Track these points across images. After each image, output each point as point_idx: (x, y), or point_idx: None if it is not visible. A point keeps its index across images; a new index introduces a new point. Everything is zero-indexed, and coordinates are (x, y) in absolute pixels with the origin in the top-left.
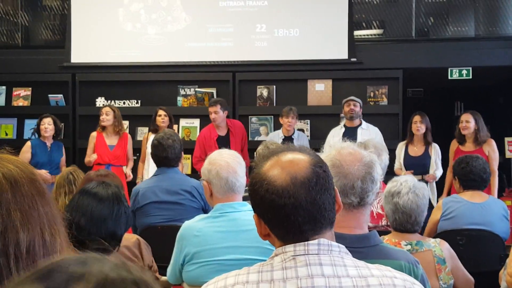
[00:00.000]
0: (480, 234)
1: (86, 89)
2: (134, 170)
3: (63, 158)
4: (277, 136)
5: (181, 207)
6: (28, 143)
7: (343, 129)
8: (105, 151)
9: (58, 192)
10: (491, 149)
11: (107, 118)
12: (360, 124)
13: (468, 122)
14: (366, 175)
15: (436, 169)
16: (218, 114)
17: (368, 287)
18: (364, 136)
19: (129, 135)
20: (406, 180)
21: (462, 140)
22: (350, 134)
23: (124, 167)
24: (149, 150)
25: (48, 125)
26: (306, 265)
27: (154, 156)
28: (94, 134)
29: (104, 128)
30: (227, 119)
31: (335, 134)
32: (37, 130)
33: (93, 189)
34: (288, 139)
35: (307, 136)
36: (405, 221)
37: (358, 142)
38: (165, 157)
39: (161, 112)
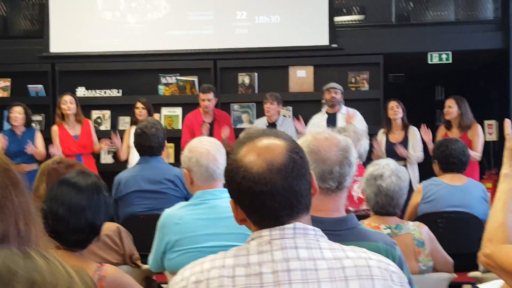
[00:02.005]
0: (460, 217)
1: (66, 79)
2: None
3: (39, 144)
4: (261, 123)
5: (163, 196)
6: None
7: (326, 115)
8: (72, 142)
9: (41, 179)
10: (474, 133)
11: (71, 106)
12: (340, 109)
13: (450, 107)
14: (344, 160)
15: (415, 152)
16: (211, 101)
17: (343, 269)
18: (343, 121)
19: (89, 120)
20: (387, 163)
21: (449, 125)
22: (332, 120)
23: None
24: (131, 142)
25: (18, 114)
26: (281, 249)
27: (138, 145)
28: (55, 128)
29: (63, 118)
30: (214, 108)
31: (320, 121)
32: (7, 119)
33: (72, 178)
34: (272, 125)
35: None
36: (387, 204)
37: (338, 127)
38: (149, 146)
39: (138, 104)
